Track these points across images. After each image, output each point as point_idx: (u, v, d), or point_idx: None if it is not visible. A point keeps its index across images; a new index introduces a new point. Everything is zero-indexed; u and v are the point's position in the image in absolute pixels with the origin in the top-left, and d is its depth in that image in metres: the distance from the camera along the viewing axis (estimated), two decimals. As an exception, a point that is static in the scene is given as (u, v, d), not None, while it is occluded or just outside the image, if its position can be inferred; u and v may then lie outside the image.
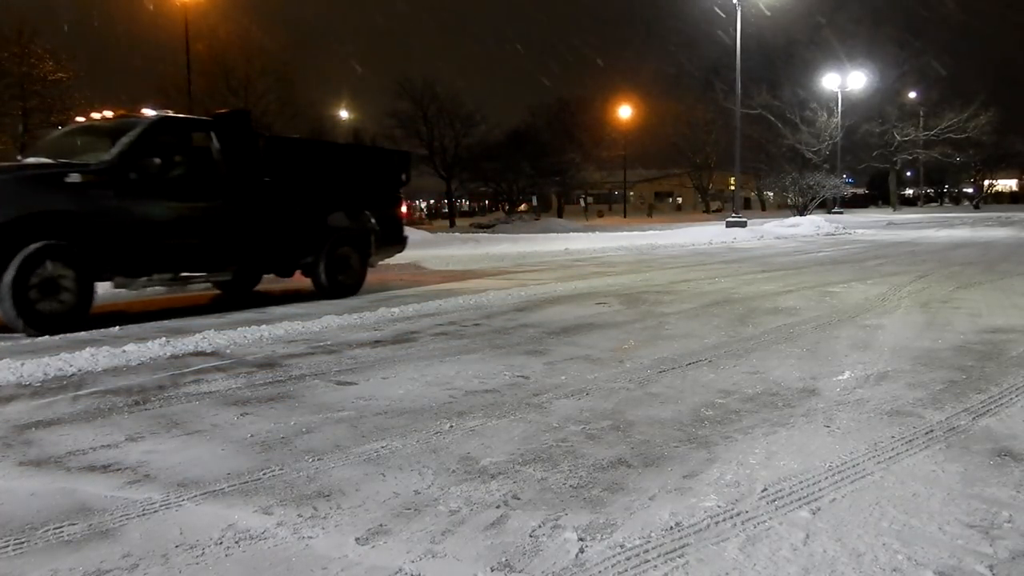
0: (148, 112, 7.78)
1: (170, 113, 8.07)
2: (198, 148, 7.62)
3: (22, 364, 4.62)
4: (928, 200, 72.29)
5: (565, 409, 3.63)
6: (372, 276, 11.16)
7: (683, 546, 2.17)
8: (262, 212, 7.98)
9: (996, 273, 9.92)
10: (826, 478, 2.68)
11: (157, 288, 7.70)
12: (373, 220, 9.26)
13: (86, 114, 8.32)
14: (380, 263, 10.19)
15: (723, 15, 31.32)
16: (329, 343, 5.56)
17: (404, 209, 10.13)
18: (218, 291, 9.26)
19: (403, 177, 10.08)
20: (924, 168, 61.77)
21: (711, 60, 47.85)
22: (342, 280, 8.79)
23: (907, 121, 49.05)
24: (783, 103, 42.04)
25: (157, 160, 6.73)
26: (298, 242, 8.44)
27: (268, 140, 8.78)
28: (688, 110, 57.24)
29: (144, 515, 2.46)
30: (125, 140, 6.84)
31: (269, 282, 10.03)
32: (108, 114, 7.89)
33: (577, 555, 2.13)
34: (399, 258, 13.55)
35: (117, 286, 6.99)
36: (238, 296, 8.96)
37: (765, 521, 2.33)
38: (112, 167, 6.64)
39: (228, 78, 35.63)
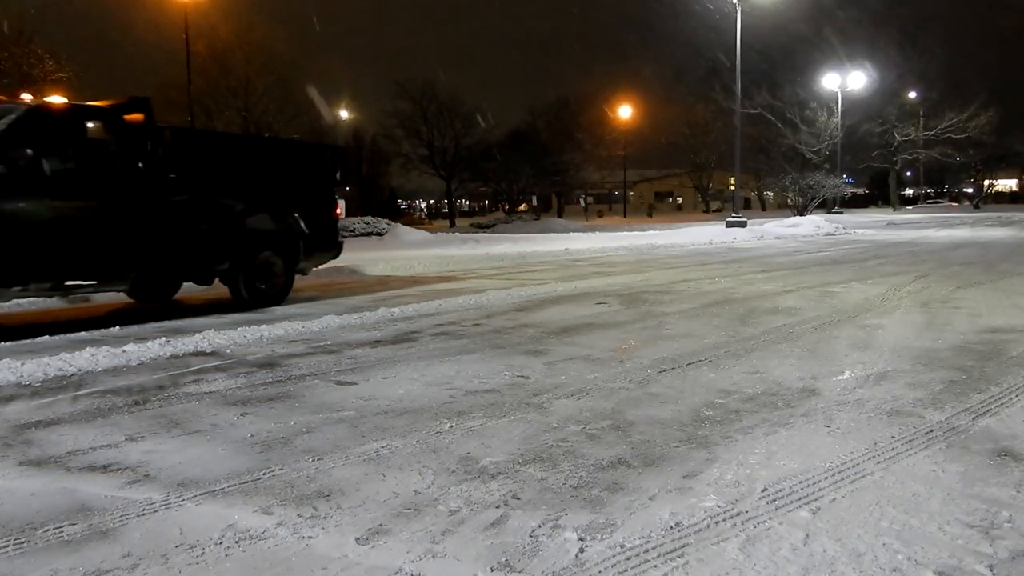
0: (26, 98, 7.01)
1: (54, 100, 7.13)
2: (88, 140, 6.81)
3: (22, 364, 4.63)
4: (928, 200, 72.30)
5: (565, 409, 3.63)
6: (372, 277, 11.17)
7: (683, 546, 2.17)
8: (167, 213, 7.09)
9: (996, 273, 9.92)
10: (826, 478, 2.68)
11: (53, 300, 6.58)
12: (302, 223, 8.39)
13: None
14: (321, 267, 9.37)
15: (725, 12, 31.29)
16: (329, 343, 5.56)
17: (339, 211, 9.22)
18: (127, 302, 8.46)
19: (337, 176, 9.27)
20: (924, 168, 61.80)
21: (711, 60, 47.93)
22: (264, 289, 7.96)
23: (907, 121, 49.07)
24: (783, 103, 42.11)
25: (29, 152, 5.89)
26: (211, 247, 7.53)
27: (174, 132, 7.91)
28: (688, 110, 57.36)
29: (144, 515, 2.46)
30: None
31: (191, 291, 8.94)
32: None
33: (577, 555, 2.13)
34: (400, 258, 13.45)
35: None
36: (153, 307, 8.12)
37: (765, 521, 2.33)
38: None
39: (228, 78, 35.68)
